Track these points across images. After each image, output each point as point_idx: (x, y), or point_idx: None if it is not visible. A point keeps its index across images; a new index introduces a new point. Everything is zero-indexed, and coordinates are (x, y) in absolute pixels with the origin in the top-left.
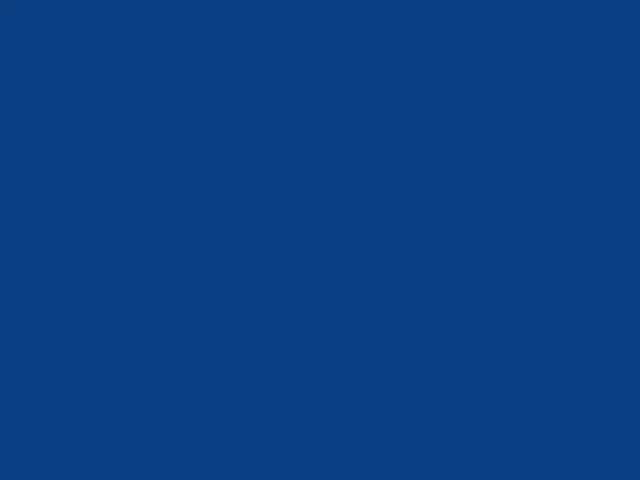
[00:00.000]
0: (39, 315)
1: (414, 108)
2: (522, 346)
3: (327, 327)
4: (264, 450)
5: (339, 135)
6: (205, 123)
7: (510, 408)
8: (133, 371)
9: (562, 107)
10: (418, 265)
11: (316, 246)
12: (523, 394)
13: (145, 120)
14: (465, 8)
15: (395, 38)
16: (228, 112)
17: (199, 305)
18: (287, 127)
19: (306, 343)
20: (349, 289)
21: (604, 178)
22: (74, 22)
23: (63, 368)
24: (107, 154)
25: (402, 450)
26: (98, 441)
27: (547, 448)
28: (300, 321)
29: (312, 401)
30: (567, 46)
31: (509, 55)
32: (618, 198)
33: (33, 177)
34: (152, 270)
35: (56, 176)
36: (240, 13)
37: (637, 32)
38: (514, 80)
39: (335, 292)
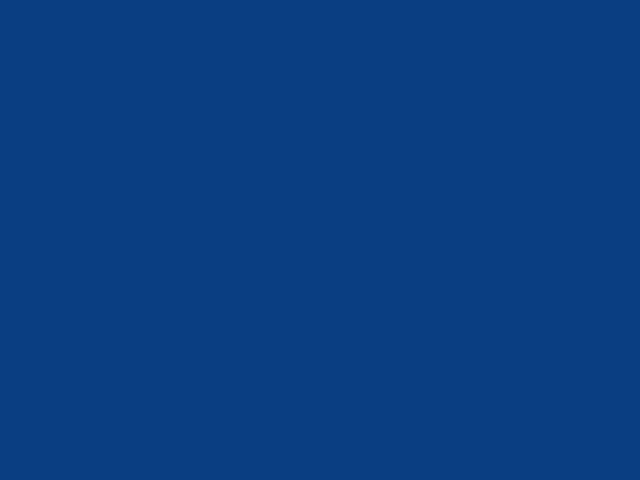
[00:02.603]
0: (39, 315)
1: (414, 108)
2: (522, 346)
3: (327, 327)
4: (264, 450)
5: (339, 135)
6: (204, 123)
7: (510, 408)
8: (133, 371)
9: (562, 107)
10: (417, 265)
11: (315, 246)
12: (523, 394)
13: (144, 119)
14: (465, 8)
15: (395, 38)
16: (228, 112)
17: (199, 305)
18: (286, 127)
19: (306, 343)
20: (348, 289)
21: (604, 178)
22: (74, 21)
23: (63, 368)
24: (106, 154)
25: (402, 450)
26: (98, 441)
27: (547, 448)
28: (300, 321)
29: (312, 401)
30: (567, 46)
31: (509, 55)
32: (618, 198)
33: (32, 177)
34: (151, 269)
35: (54, 176)
36: (240, 13)
37: (637, 32)
38: (514, 80)
39: (334, 292)
